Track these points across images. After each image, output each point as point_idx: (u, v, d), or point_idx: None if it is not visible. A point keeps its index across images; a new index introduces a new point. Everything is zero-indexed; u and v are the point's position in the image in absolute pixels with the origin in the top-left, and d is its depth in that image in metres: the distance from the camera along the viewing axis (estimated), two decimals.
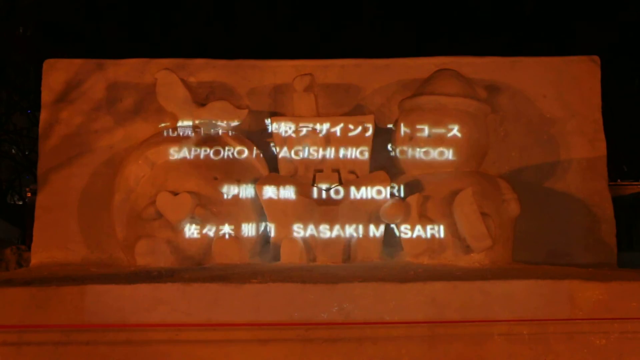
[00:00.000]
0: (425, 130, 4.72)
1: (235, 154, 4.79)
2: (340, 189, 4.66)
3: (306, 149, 4.82)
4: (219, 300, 3.50)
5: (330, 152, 4.81)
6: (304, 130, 4.81)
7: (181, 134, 4.81)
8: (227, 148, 4.79)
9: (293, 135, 4.81)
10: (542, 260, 4.81)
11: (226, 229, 4.55)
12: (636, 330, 3.60)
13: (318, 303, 3.51)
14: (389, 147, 4.98)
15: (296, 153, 4.81)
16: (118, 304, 3.49)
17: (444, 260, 4.42)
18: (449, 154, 4.71)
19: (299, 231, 4.52)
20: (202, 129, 4.89)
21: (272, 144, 4.95)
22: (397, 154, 4.88)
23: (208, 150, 4.75)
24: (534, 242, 5.01)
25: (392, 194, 4.56)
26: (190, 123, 4.92)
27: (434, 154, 4.71)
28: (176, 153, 4.70)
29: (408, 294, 3.55)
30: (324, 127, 4.83)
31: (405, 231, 4.46)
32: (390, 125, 5.04)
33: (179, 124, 4.94)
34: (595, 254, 5.06)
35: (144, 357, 3.50)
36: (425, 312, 3.53)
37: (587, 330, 3.59)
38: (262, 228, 4.68)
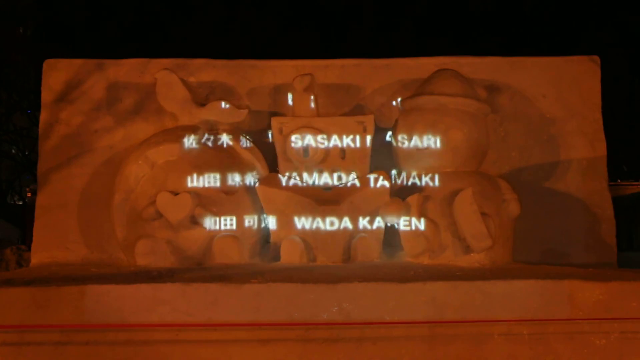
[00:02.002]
0: (425, 130, 4.72)
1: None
2: (340, 189, 4.66)
3: (306, 149, 4.82)
4: (219, 300, 3.50)
5: (330, 152, 4.80)
6: (304, 131, 4.80)
7: (181, 134, 4.81)
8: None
9: (293, 135, 4.81)
10: (542, 260, 4.81)
11: (227, 225, 4.55)
12: (636, 330, 3.60)
13: (318, 303, 3.51)
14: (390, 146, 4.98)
15: (296, 153, 4.81)
16: (118, 304, 3.49)
17: (444, 260, 4.42)
18: (449, 154, 4.71)
19: (299, 231, 4.52)
20: (202, 128, 4.89)
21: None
22: (397, 154, 4.88)
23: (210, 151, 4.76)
24: (534, 242, 5.01)
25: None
26: (190, 123, 4.92)
27: (434, 153, 4.71)
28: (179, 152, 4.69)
29: (408, 294, 3.54)
30: (323, 127, 4.82)
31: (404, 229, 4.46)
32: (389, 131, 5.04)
33: (179, 124, 4.94)
34: (595, 254, 5.06)
35: (144, 357, 3.50)
36: (425, 312, 3.53)
37: (587, 330, 3.59)
38: (262, 228, 4.69)
